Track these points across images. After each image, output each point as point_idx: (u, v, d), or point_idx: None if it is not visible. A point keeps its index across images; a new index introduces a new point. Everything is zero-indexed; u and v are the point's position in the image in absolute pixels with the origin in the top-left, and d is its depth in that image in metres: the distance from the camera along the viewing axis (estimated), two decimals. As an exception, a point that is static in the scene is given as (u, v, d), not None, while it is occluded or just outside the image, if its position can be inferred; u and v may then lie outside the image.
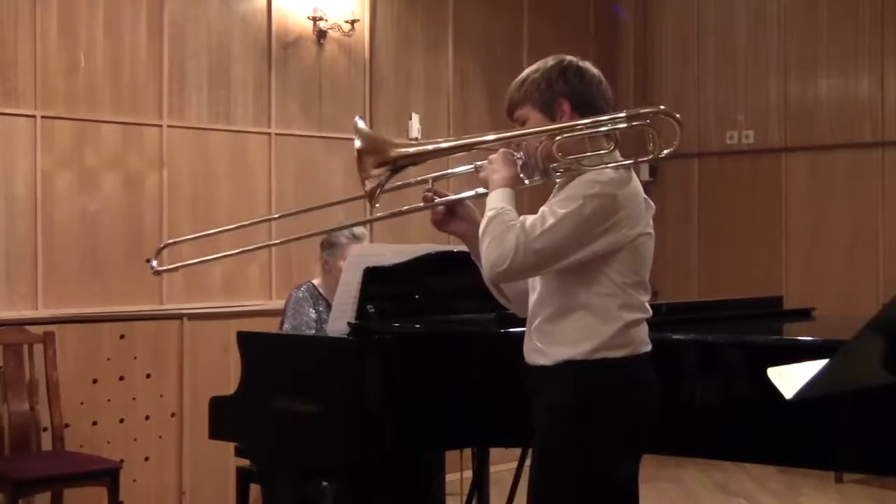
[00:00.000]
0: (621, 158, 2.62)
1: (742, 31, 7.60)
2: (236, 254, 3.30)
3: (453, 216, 2.79)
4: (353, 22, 6.18)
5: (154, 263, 3.14)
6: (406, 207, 2.84)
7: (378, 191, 2.69)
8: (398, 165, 2.70)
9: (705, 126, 7.65)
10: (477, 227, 2.70)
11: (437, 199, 2.76)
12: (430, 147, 2.78)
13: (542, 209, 2.57)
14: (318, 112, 6.17)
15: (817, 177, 7.26)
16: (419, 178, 2.83)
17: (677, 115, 2.56)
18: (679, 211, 7.67)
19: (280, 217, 3.62)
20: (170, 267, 3.41)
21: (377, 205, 2.72)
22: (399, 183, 2.79)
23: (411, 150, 2.73)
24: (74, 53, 5.24)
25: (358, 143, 2.68)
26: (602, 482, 2.60)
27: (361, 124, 2.74)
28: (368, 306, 3.57)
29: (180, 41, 5.61)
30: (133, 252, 5.37)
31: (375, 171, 2.68)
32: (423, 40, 6.72)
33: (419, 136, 6.59)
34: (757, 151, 7.49)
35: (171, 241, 3.39)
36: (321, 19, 6.08)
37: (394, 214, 2.88)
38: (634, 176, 2.65)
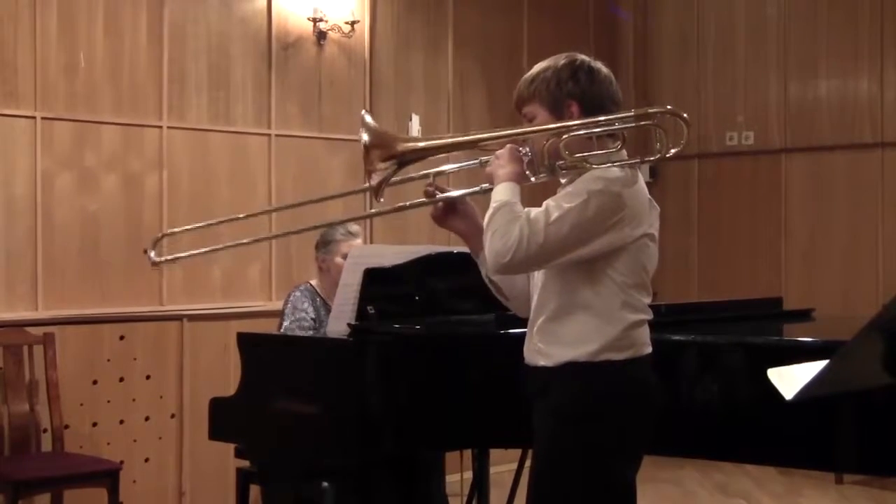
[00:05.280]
0: (627, 157, 2.62)
1: (742, 32, 7.60)
2: (237, 245, 3.28)
3: (453, 213, 2.80)
4: (353, 23, 6.18)
5: (152, 254, 3.11)
6: (408, 203, 2.83)
7: (383, 185, 2.69)
8: (405, 160, 2.71)
9: (705, 127, 7.65)
10: (477, 226, 2.71)
11: (439, 195, 2.76)
12: (437, 142, 2.79)
13: (546, 203, 2.56)
14: (317, 113, 6.17)
15: (817, 177, 7.26)
16: (422, 172, 2.83)
17: (685, 115, 2.55)
18: (679, 211, 7.67)
19: (282, 208, 3.58)
20: (168, 258, 3.31)
21: (381, 199, 2.73)
22: (400, 178, 2.78)
23: (419, 144, 2.74)
24: (74, 54, 5.24)
25: (365, 137, 2.68)
26: (604, 484, 2.60)
27: (369, 118, 2.74)
28: (368, 307, 3.57)
29: (180, 42, 5.61)
30: (133, 253, 5.37)
31: (381, 165, 2.68)
32: (423, 41, 6.72)
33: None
34: (757, 152, 7.49)
35: (169, 231, 3.33)
36: (321, 20, 6.08)
37: (395, 210, 2.88)
38: (640, 176, 2.65)
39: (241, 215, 3.36)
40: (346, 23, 6.16)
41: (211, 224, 3.39)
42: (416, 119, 6.61)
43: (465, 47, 6.90)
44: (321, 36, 6.12)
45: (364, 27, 6.34)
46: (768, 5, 7.47)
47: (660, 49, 7.94)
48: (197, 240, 3.45)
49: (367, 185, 2.71)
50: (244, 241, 3.30)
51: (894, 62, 6.97)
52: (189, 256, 3.26)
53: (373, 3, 6.40)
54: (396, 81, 6.57)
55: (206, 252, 3.27)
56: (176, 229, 3.32)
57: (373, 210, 2.88)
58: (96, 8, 5.32)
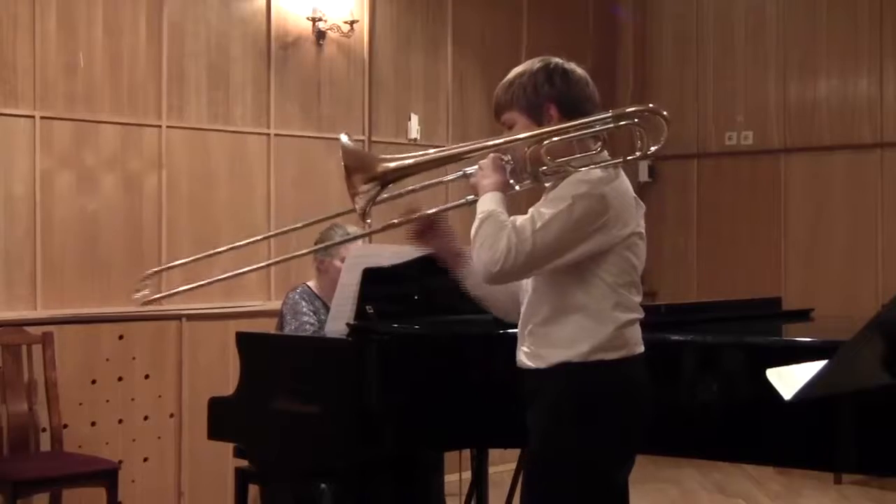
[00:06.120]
0: (609, 158, 2.62)
1: (741, 32, 7.60)
2: (234, 276, 3.28)
3: (432, 232, 2.83)
4: (352, 23, 6.18)
5: (138, 295, 3.04)
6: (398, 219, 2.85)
7: (369, 208, 2.69)
8: (386, 180, 2.71)
9: (704, 127, 7.65)
10: (454, 244, 2.80)
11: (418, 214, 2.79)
12: (416, 160, 2.75)
13: (531, 210, 2.57)
14: (317, 113, 6.17)
15: (816, 178, 7.25)
16: (409, 189, 2.84)
17: (664, 112, 2.56)
18: (678, 211, 7.67)
19: (277, 234, 3.59)
20: (158, 296, 3.21)
21: (369, 220, 2.74)
22: (389, 194, 2.78)
23: (398, 164, 2.72)
24: (74, 54, 5.24)
25: (344, 162, 2.69)
26: (597, 483, 2.61)
27: (346, 140, 2.75)
28: (367, 307, 3.57)
29: (179, 42, 5.61)
30: (132, 253, 5.37)
31: (364, 188, 2.69)
32: (423, 41, 6.72)
33: (418, 137, 6.59)
34: (756, 152, 7.49)
35: (159, 268, 3.30)
36: (320, 20, 6.08)
37: (386, 227, 2.88)
38: (623, 175, 2.66)
39: (240, 243, 3.36)
40: (346, 22, 6.16)
41: (210, 255, 3.38)
42: (415, 119, 6.61)
43: (464, 47, 6.90)
44: (320, 36, 6.12)
45: (363, 27, 6.33)
46: (768, 5, 7.47)
47: (660, 49, 7.94)
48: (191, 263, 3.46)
49: (352, 209, 2.71)
50: (244, 269, 3.29)
51: (894, 62, 6.97)
52: (184, 291, 3.25)
53: (372, 3, 6.39)
54: (396, 81, 6.56)
55: (201, 286, 3.26)
56: (169, 265, 3.29)
57: (368, 229, 2.91)
58: (96, 8, 5.32)
